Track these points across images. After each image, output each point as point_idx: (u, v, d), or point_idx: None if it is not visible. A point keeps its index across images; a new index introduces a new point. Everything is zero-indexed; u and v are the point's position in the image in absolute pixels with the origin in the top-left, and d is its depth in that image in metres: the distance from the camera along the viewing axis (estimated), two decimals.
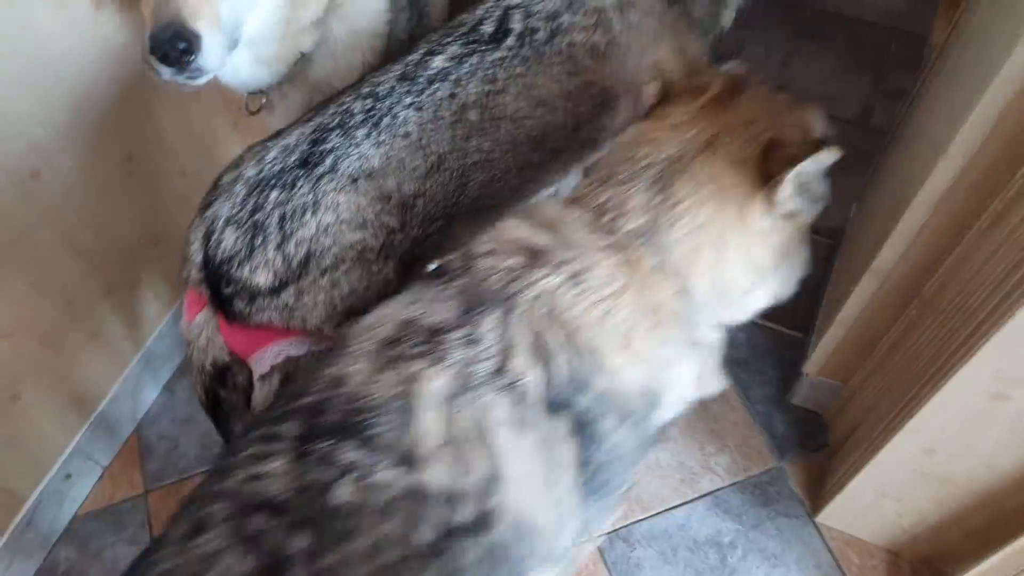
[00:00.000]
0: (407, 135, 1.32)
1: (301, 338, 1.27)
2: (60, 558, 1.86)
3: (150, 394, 2.09)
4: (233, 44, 1.34)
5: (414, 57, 1.38)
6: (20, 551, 1.79)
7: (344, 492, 0.84)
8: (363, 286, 1.29)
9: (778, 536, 1.80)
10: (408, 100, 1.34)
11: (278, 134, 1.33)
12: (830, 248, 2.18)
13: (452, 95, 1.36)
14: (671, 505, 1.85)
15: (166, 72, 1.24)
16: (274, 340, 1.27)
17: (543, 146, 1.48)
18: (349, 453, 0.86)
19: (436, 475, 0.87)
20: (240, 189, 1.26)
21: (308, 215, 1.24)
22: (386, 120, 1.31)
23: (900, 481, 1.52)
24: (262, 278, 1.23)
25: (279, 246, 1.23)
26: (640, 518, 1.83)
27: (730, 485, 1.87)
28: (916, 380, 1.39)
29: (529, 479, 0.92)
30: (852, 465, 1.63)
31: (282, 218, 1.23)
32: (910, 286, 1.44)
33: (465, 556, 0.87)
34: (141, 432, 2.05)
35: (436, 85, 1.36)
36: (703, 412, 1.96)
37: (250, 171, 1.27)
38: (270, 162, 1.27)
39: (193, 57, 1.22)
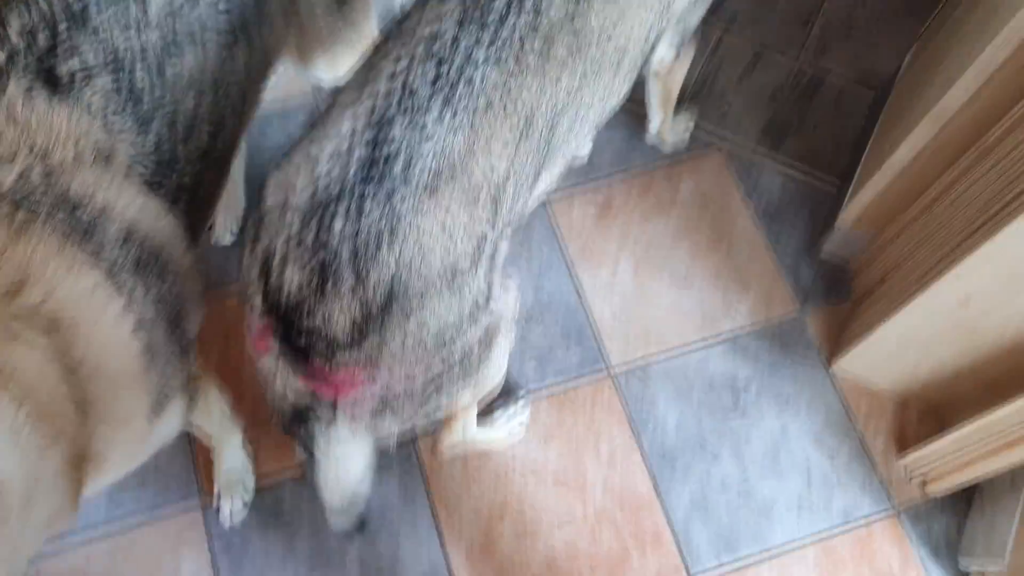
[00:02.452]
0: (489, 104, 1.05)
1: (392, 379, 1.09)
2: None
3: None
4: None
5: None
6: None
7: None
8: (453, 315, 1.07)
9: (792, 381, 1.84)
10: (481, 54, 1.05)
11: (320, 128, 1.07)
12: (875, 99, 2.10)
13: (534, 28, 1.07)
14: (690, 346, 1.88)
15: None
16: (361, 384, 1.09)
17: (620, 68, 1.26)
18: None
19: None
20: (293, 219, 1.02)
21: (384, 249, 0.99)
22: (460, 89, 1.03)
23: (928, 331, 1.54)
24: (339, 330, 1.01)
25: (353, 291, 1.00)
26: (657, 356, 1.87)
27: (750, 330, 1.89)
28: (963, 229, 1.37)
29: None
30: (878, 313, 1.64)
31: (353, 255, 0.99)
32: (971, 131, 1.39)
33: None
34: None
35: (511, 20, 1.06)
36: (729, 258, 1.96)
37: (302, 195, 1.02)
38: (323, 179, 1.01)
39: None
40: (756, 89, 2.16)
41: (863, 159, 1.89)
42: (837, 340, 1.85)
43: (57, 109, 0.97)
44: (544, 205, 2.03)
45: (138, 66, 1.04)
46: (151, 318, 1.03)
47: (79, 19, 0.98)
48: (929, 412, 1.80)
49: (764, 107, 2.13)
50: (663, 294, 1.92)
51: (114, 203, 1.01)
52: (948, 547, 1.70)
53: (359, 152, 1.01)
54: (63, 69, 0.97)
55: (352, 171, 1.00)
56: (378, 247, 0.99)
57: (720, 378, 1.85)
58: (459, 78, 1.03)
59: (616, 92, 1.32)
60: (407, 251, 1.00)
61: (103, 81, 1.01)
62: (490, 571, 1.67)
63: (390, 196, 0.99)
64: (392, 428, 1.22)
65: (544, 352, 1.87)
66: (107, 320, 0.96)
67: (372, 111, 1.03)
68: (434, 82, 1.03)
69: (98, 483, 1.04)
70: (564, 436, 1.79)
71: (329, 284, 0.99)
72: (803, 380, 1.85)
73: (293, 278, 1.01)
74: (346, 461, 1.32)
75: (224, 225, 1.98)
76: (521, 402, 1.79)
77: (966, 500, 1.72)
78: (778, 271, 1.95)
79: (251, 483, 1.72)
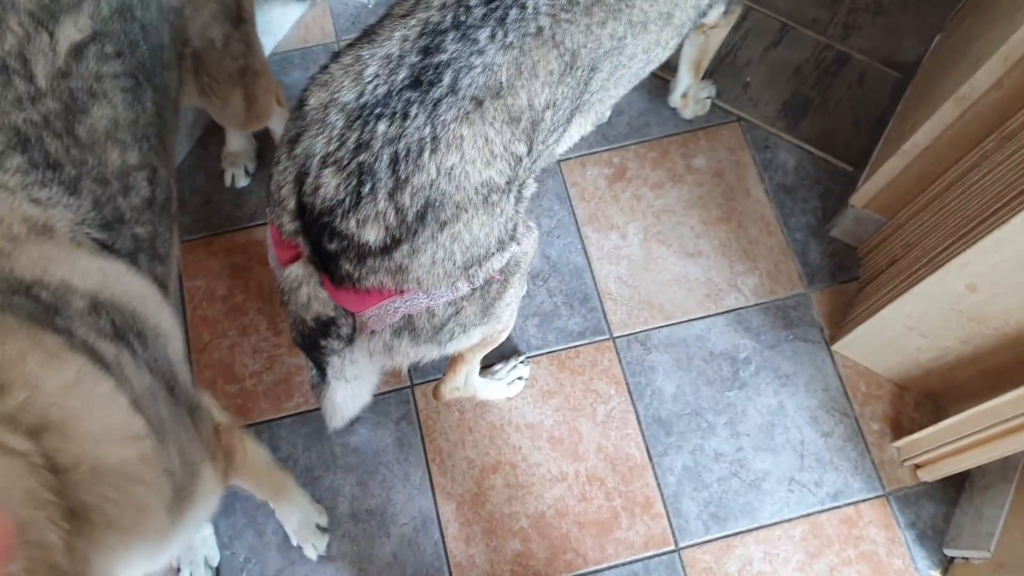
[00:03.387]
0: (539, 31, 1.07)
1: (419, 294, 1.11)
2: None
3: (183, 147, 2.06)
4: None
5: None
6: None
7: None
8: (484, 232, 1.09)
9: (793, 358, 1.85)
10: None
11: (371, 36, 1.08)
12: (899, 82, 2.08)
13: None
14: (692, 317, 1.88)
15: None
16: (388, 297, 1.10)
17: (670, 22, 1.27)
18: None
19: None
20: (337, 119, 1.02)
21: (426, 155, 1.00)
22: (513, 13, 1.06)
23: (932, 316, 1.53)
24: (372, 234, 1.02)
25: (391, 195, 1.00)
26: (660, 325, 1.87)
27: (754, 305, 1.89)
28: (977, 215, 1.36)
29: None
30: (884, 296, 1.64)
31: (394, 159, 1.00)
32: (994, 117, 1.38)
33: None
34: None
35: None
36: (739, 232, 1.95)
37: (348, 94, 1.03)
38: (371, 81, 1.03)
39: None
40: (780, 64, 2.13)
41: (881, 140, 1.87)
42: (841, 321, 1.85)
43: None
44: (558, 166, 2.02)
45: (45, 135, 0.98)
46: (147, 387, 0.94)
47: None
48: (927, 398, 1.80)
49: (786, 83, 2.11)
50: (670, 263, 1.92)
51: (70, 275, 0.93)
52: (935, 533, 1.71)
53: (410, 59, 1.03)
54: None
55: (401, 76, 1.02)
56: (420, 152, 1.00)
57: (721, 350, 1.85)
58: (514, 2, 1.06)
59: (663, 44, 1.33)
60: (449, 159, 1.01)
61: (13, 160, 0.95)
62: (479, 522, 1.70)
63: (437, 104, 1.01)
64: (407, 354, 1.23)
65: (548, 312, 1.88)
66: (100, 406, 0.85)
67: (426, 22, 1.05)
68: (489, 2, 1.06)
69: None
70: (562, 396, 1.80)
71: (367, 187, 1.00)
72: (804, 358, 1.85)
73: (330, 180, 1.01)
74: (355, 386, 1.34)
75: (235, 170, 1.98)
76: (522, 358, 1.81)
77: (956, 488, 1.73)
78: (787, 248, 1.95)
79: (324, 518, 1.65)
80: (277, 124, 1.85)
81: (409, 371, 1.81)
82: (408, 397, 1.80)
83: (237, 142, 1.96)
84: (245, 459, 1.26)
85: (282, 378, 1.80)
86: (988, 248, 1.30)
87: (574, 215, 1.97)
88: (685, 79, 1.93)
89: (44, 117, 0.99)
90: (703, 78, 2.00)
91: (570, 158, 2.03)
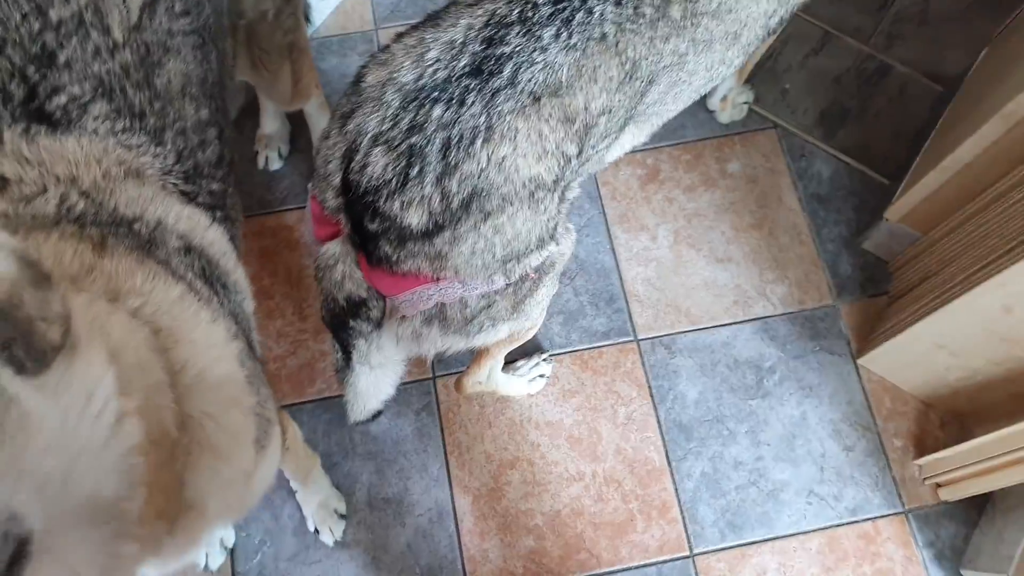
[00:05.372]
0: (603, 37, 1.07)
1: (455, 283, 1.11)
2: None
3: None
4: None
5: None
6: None
7: None
8: (527, 228, 1.09)
9: (818, 370, 1.83)
10: None
11: (435, 21, 1.09)
12: (940, 96, 2.05)
13: None
14: (719, 323, 1.87)
15: None
16: (424, 283, 1.11)
17: (737, 42, 1.26)
18: None
19: None
20: (393, 98, 1.02)
21: (478, 143, 1.00)
22: (579, 16, 1.06)
23: (964, 335, 1.51)
24: (415, 218, 1.02)
25: (438, 180, 1.00)
26: (685, 329, 1.86)
27: (782, 314, 1.88)
28: (1017, 236, 1.34)
29: None
30: (914, 313, 1.62)
31: (446, 144, 1.00)
32: None
33: None
34: None
35: None
36: (770, 240, 1.93)
37: (407, 75, 1.02)
38: (432, 65, 1.02)
39: None
40: (820, 72, 2.11)
41: (920, 154, 1.85)
42: (869, 335, 1.83)
43: (64, 140, 0.93)
44: None
45: (127, 85, 1.01)
46: (235, 331, 0.96)
47: (46, 60, 0.95)
48: (953, 418, 1.78)
49: (826, 91, 2.09)
50: (699, 267, 1.91)
51: (165, 216, 0.97)
52: (953, 554, 1.69)
53: (473, 47, 1.03)
54: (52, 107, 0.94)
55: (462, 63, 1.02)
56: (473, 140, 1.00)
57: (746, 358, 1.84)
58: (581, 5, 1.06)
59: (728, 63, 1.32)
60: (501, 150, 1.01)
61: (99, 107, 0.97)
62: (494, 517, 1.70)
63: (495, 94, 1.01)
64: (435, 343, 1.23)
65: (574, 311, 1.87)
66: (202, 326, 0.89)
67: (493, 13, 1.05)
68: (557, 2, 1.06)
69: (193, 539, 0.87)
70: (583, 396, 1.80)
71: (415, 169, 1.00)
72: (829, 370, 1.83)
73: (379, 159, 1.01)
74: (379, 375, 1.34)
75: (269, 152, 1.99)
76: (545, 355, 1.80)
77: (977, 510, 1.71)
78: (818, 258, 1.93)
79: (343, 505, 1.67)
80: (313, 108, 1.86)
81: (432, 363, 1.81)
82: (430, 388, 1.80)
83: (272, 124, 1.97)
84: (290, 440, 1.29)
85: (306, 363, 1.81)
86: None
87: (604, 214, 1.96)
88: (727, 82, 1.91)
89: (124, 68, 1.01)
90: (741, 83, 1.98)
91: None
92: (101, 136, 0.96)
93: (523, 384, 1.76)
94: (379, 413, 1.51)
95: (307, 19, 1.90)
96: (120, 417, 0.63)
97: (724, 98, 1.96)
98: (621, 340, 1.85)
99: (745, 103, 2.02)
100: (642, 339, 1.85)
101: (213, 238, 1.04)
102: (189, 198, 1.04)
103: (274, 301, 1.88)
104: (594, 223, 1.96)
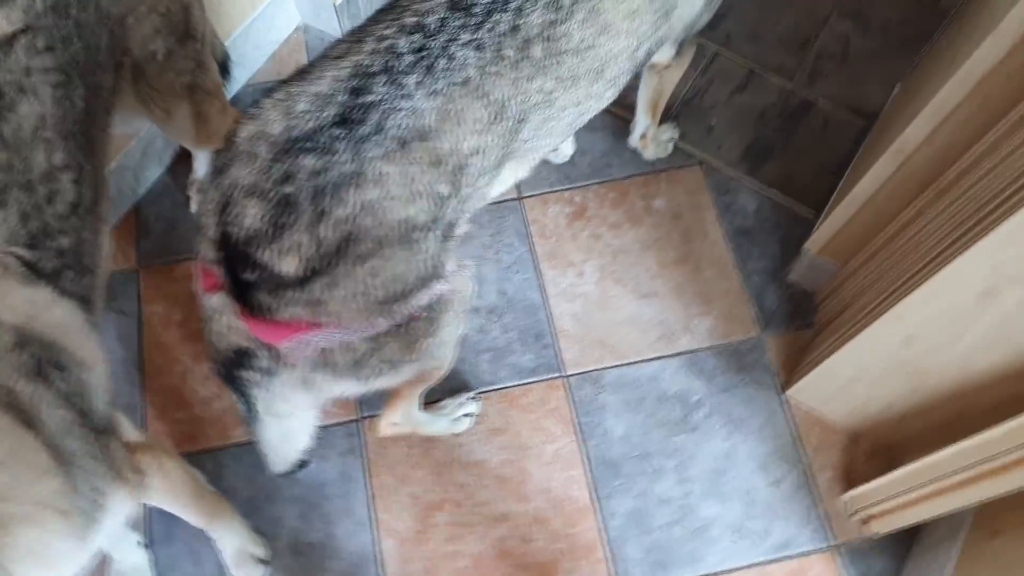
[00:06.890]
0: (466, 81, 1.10)
1: (335, 328, 1.12)
2: None
3: (153, 173, 2.09)
4: None
5: None
6: None
7: None
8: (403, 269, 1.11)
9: (745, 403, 1.83)
10: (466, 36, 1.11)
11: (303, 75, 1.11)
12: (862, 130, 2.08)
13: (514, 27, 1.13)
14: (645, 357, 1.87)
15: None
16: (303, 330, 1.11)
17: (601, 77, 1.30)
18: None
19: None
20: (264, 150, 1.04)
21: (349, 189, 1.02)
22: (442, 63, 1.09)
23: (875, 367, 1.52)
24: (290, 265, 1.03)
25: (311, 227, 1.02)
26: (612, 364, 1.86)
27: (708, 348, 1.88)
28: (912, 267, 1.35)
29: None
30: (831, 345, 1.63)
31: (316, 192, 1.02)
32: (929, 171, 1.37)
33: None
34: (140, 210, 2.06)
35: (496, 16, 1.12)
36: (695, 274, 1.95)
37: (276, 127, 1.05)
38: (300, 116, 1.05)
39: None
40: (745, 108, 2.14)
41: (838, 187, 1.87)
42: (794, 368, 1.83)
43: None
44: (519, 203, 2.03)
45: None
46: (60, 422, 0.94)
47: None
48: (879, 450, 1.77)
49: (750, 127, 2.12)
50: (626, 303, 1.92)
51: None
52: None
53: (340, 98, 1.05)
54: None
55: (330, 113, 1.04)
56: (343, 186, 1.02)
57: (673, 392, 1.84)
58: (443, 52, 1.09)
59: (598, 96, 1.34)
60: (370, 194, 1.04)
61: None
62: (420, 560, 1.68)
63: (362, 141, 1.04)
64: (328, 389, 1.24)
65: (502, 347, 1.88)
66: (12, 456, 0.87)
67: (358, 65, 1.08)
68: (418, 51, 1.09)
69: None
70: (511, 434, 1.80)
71: (289, 218, 1.02)
72: (756, 404, 1.83)
73: (252, 210, 1.03)
74: (289, 424, 1.34)
75: (200, 197, 2.01)
76: (472, 394, 1.80)
77: (906, 544, 1.69)
78: (743, 292, 1.94)
79: (262, 550, 1.63)
80: None
81: (358, 404, 1.81)
82: (355, 430, 1.79)
83: (203, 168, 1.98)
84: (165, 479, 1.26)
85: (230, 407, 1.80)
86: (917, 303, 1.29)
87: (533, 252, 1.98)
88: (642, 120, 1.94)
89: None
90: (667, 120, 2.00)
91: (532, 195, 2.04)
92: None
93: (446, 423, 1.75)
94: (304, 463, 1.50)
95: (226, 72, 1.92)
96: None
97: (643, 136, 1.98)
98: (549, 376, 1.85)
99: (671, 140, 2.05)
100: (570, 375, 1.85)
101: (52, 316, 1.01)
102: (32, 268, 1.00)
103: (202, 344, 1.87)
104: (522, 260, 1.97)
